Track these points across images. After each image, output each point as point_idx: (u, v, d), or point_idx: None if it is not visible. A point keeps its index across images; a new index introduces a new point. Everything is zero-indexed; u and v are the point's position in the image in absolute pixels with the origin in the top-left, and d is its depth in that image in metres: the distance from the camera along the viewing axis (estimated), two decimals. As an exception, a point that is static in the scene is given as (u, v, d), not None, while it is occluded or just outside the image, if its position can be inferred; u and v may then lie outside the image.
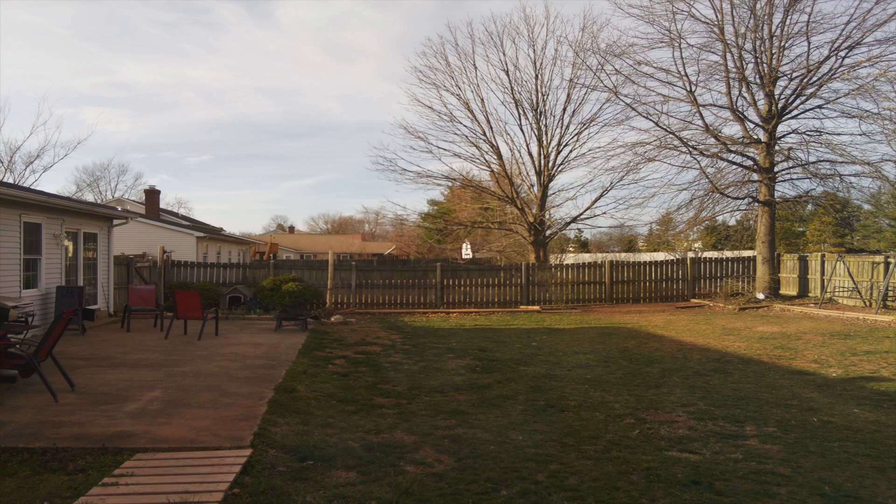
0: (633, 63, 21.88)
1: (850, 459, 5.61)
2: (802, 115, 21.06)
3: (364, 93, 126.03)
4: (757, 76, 20.90)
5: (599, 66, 22.99)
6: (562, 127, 25.45)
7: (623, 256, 36.39)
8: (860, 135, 19.93)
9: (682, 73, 21.18)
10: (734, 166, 22.09)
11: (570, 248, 47.85)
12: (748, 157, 21.71)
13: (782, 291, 21.25)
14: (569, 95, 25.07)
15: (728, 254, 27.48)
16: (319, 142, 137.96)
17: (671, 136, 21.76)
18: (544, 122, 25.57)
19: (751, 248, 26.82)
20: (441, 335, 14.27)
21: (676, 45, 20.98)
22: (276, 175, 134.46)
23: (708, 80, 21.71)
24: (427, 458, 5.59)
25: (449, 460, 5.52)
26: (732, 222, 34.69)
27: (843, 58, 19.52)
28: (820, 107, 20.46)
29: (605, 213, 26.12)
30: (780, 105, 20.69)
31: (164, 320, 14.26)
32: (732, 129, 22.48)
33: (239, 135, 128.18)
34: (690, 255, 25.29)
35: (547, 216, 26.49)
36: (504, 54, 25.38)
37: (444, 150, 26.48)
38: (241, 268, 21.01)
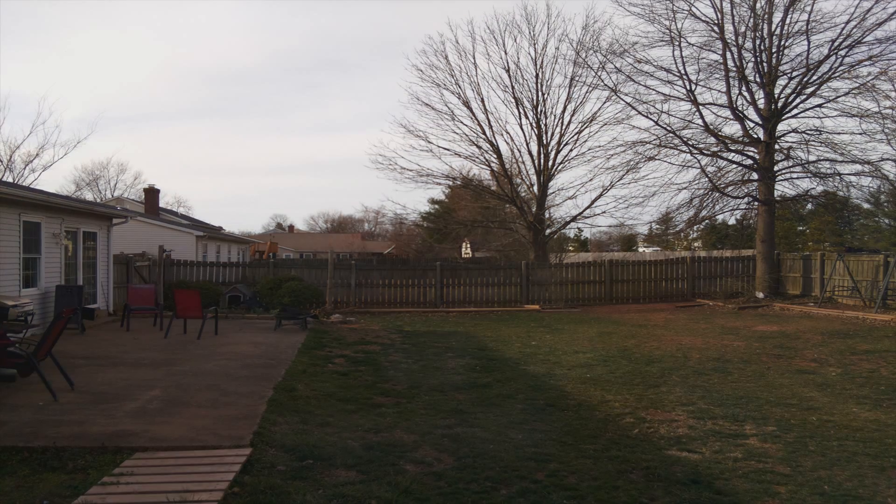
0: (633, 62, 21.88)
1: (850, 458, 5.61)
2: (802, 115, 21.05)
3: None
4: (757, 75, 20.89)
5: (600, 65, 22.99)
6: (562, 126, 25.45)
7: (626, 256, 36.41)
8: (860, 134, 19.92)
9: (683, 71, 21.19)
10: (734, 165, 22.09)
11: (570, 248, 47.90)
12: (748, 157, 21.70)
13: (788, 290, 21.23)
14: (569, 94, 25.05)
15: (728, 253, 27.49)
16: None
17: (671, 134, 21.76)
18: (544, 121, 25.55)
19: (751, 248, 26.84)
20: (441, 334, 14.27)
21: (677, 43, 20.99)
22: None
23: (708, 78, 21.70)
24: (427, 457, 5.58)
25: (449, 459, 5.52)
26: (732, 221, 34.74)
27: (844, 57, 19.51)
28: (820, 106, 20.43)
29: (604, 212, 26.12)
30: (779, 104, 20.68)
31: (164, 319, 14.24)
32: (732, 128, 22.51)
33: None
34: (689, 254, 25.30)
35: (547, 215, 26.47)
36: (505, 52, 25.36)
37: (445, 149, 26.40)
38: (240, 267, 21.01)
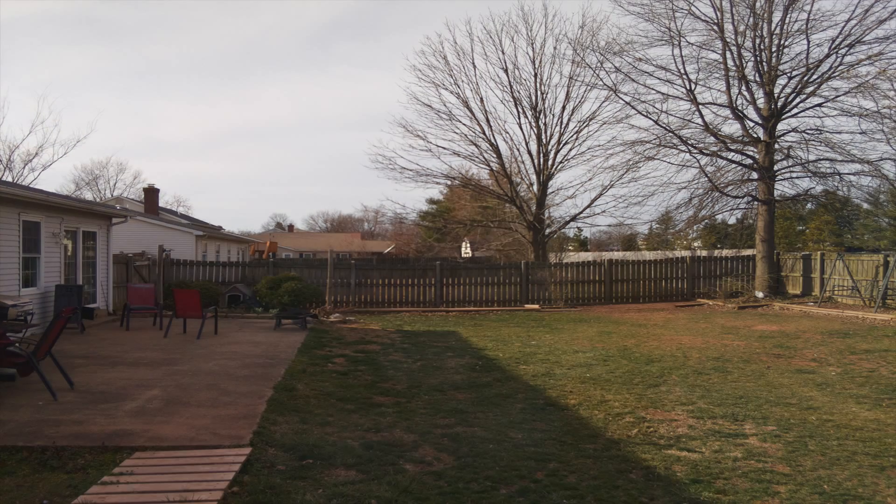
0: (632, 61, 21.90)
1: (850, 458, 5.61)
2: (802, 114, 21.09)
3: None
4: (756, 74, 20.90)
5: (599, 64, 23.00)
6: (561, 125, 25.45)
7: (626, 255, 36.41)
8: (860, 133, 19.96)
9: (682, 71, 21.19)
10: (734, 165, 22.11)
11: (570, 247, 47.88)
12: (748, 156, 21.71)
13: (788, 290, 21.23)
14: (568, 93, 25.06)
15: (727, 252, 27.50)
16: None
17: (670, 134, 21.77)
18: (543, 121, 25.56)
19: (750, 247, 26.84)
20: (440, 334, 14.27)
21: (676, 43, 20.99)
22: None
23: (707, 78, 21.74)
24: (426, 456, 5.58)
25: (448, 459, 5.52)
26: (732, 221, 34.75)
27: (843, 56, 19.54)
28: (820, 105, 20.46)
29: (604, 211, 26.14)
30: (779, 103, 20.69)
31: (164, 319, 14.25)
32: (732, 128, 22.55)
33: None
34: (689, 253, 25.32)
35: (546, 215, 26.46)
36: (503, 52, 25.31)
37: (444, 148, 26.39)
38: (240, 266, 20.99)
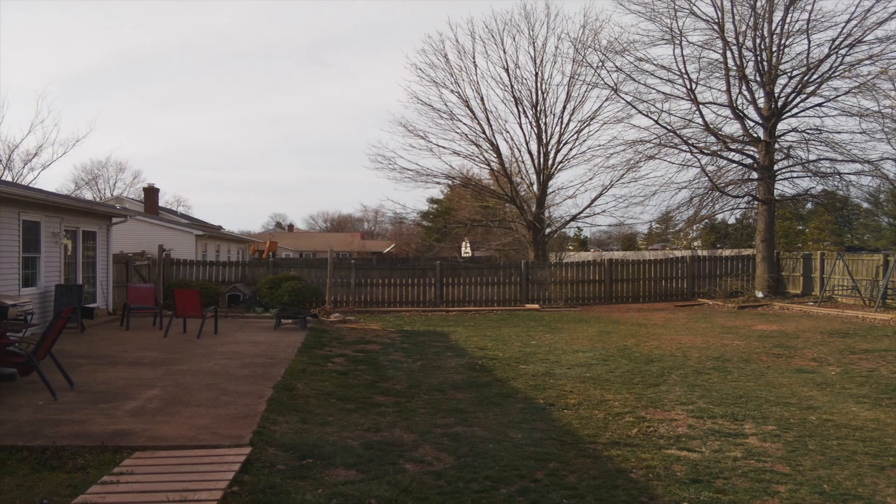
0: (633, 60, 21.90)
1: (850, 457, 5.61)
2: (802, 114, 21.10)
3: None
4: (757, 74, 20.91)
5: (600, 64, 23.01)
6: (561, 125, 25.46)
7: (626, 255, 36.41)
8: (860, 133, 19.97)
9: (683, 70, 21.21)
10: (734, 164, 22.12)
11: (570, 247, 47.89)
12: (748, 156, 21.72)
13: (788, 290, 21.23)
14: (569, 93, 25.06)
15: (727, 252, 27.51)
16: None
17: (671, 134, 21.78)
18: (544, 120, 25.57)
19: (750, 247, 26.86)
20: (440, 333, 14.27)
21: (677, 42, 21.01)
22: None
23: (708, 77, 21.75)
24: (426, 456, 5.59)
25: (448, 458, 5.52)
26: (732, 221, 34.77)
27: (844, 56, 19.54)
28: (820, 105, 20.47)
29: (604, 211, 26.20)
30: (780, 103, 20.69)
31: (164, 319, 14.25)
32: (732, 128, 22.56)
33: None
34: (689, 253, 25.32)
35: (546, 214, 26.48)
36: (504, 52, 25.32)
37: (444, 148, 26.42)
38: (240, 266, 20.99)
